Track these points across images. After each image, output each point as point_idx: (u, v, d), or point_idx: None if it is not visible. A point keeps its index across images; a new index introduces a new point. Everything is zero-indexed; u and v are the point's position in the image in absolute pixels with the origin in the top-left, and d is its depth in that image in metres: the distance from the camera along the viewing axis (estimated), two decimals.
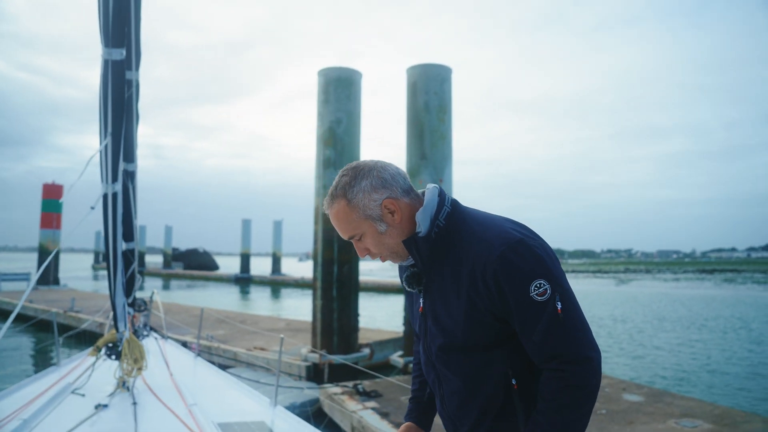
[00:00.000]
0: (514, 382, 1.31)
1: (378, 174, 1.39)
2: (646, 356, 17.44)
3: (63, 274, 33.88)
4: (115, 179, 3.78)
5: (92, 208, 3.72)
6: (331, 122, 11.62)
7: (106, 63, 3.71)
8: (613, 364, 15.32)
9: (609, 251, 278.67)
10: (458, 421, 1.43)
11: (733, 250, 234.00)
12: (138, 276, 5.87)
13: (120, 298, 4.98)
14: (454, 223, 1.37)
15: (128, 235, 5.25)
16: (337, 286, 11.71)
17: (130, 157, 4.87)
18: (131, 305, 5.90)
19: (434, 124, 11.24)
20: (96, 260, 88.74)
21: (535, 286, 1.22)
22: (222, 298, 34.09)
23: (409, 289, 1.48)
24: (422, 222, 1.38)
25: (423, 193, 1.46)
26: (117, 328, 5.15)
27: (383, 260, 1.45)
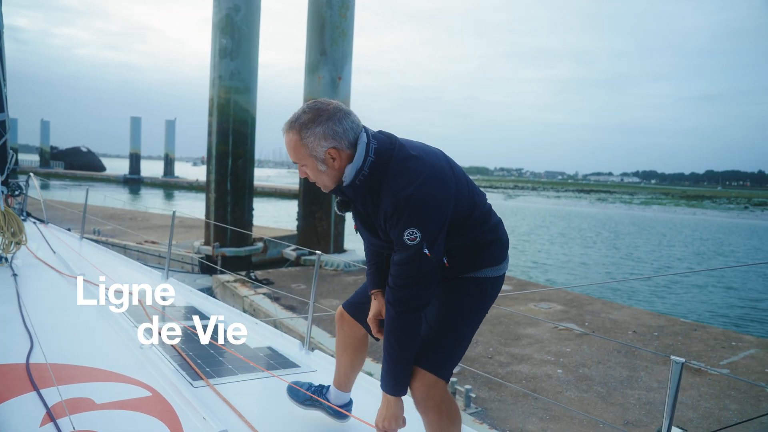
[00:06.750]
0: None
1: (333, 126, 1.69)
2: (525, 257, 19.26)
3: None
4: None
5: None
6: (228, 9, 10.93)
7: None
8: None
9: (501, 169, 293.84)
10: None
11: (610, 174, 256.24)
12: (10, 151, 5.50)
13: None
14: (375, 171, 1.71)
15: None
16: (231, 179, 11.54)
17: None
18: (4, 183, 5.56)
19: (336, 19, 10.94)
20: None
21: (408, 233, 1.64)
22: (110, 200, 32.22)
23: (338, 213, 1.91)
24: (348, 175, 1.72)
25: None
26: None
27: (317, 185, 1.82)
